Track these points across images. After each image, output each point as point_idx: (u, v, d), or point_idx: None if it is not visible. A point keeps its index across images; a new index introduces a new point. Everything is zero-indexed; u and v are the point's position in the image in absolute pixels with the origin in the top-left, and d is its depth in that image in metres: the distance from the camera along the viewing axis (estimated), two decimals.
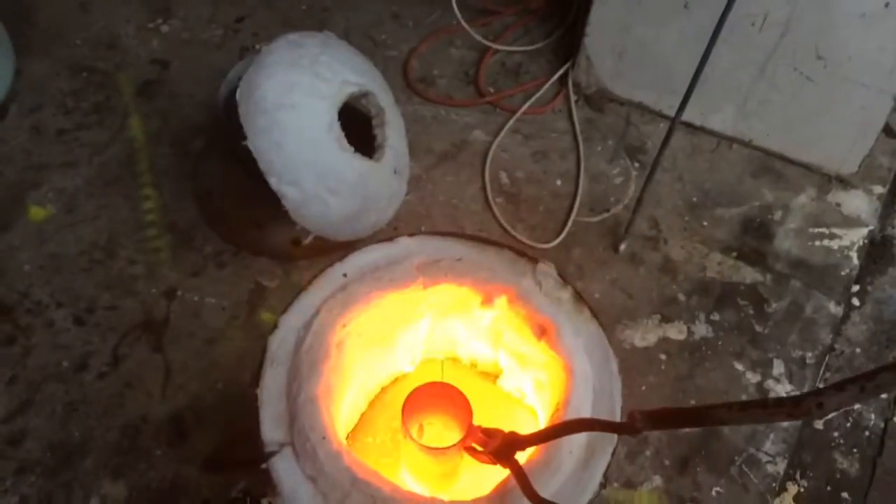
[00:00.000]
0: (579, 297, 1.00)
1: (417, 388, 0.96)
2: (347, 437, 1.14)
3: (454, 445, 0.92)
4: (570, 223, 1.68)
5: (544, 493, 0.83)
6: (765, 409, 0.60)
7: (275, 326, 0.98)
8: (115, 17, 2.02)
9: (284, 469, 0.88)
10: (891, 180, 1.81)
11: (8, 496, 1.30)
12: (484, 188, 1.74)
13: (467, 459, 1.04)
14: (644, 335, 1.55)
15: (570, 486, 0.87)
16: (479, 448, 0.91)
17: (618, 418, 0.94)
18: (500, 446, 0.88)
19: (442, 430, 1.00)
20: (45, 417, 1.38)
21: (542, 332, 0.97)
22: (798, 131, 1.77)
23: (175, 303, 1.53)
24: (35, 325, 1.48)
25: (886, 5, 1.51)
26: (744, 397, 1.49)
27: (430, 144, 1.81)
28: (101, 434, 1.37)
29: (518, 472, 0.84)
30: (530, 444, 0.87)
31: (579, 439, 0.90)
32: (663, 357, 1.53)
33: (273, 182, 1.35)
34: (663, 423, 0.71)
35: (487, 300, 1.00)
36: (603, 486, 0.89)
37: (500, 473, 0.90)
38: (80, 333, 1.48)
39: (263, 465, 0.88)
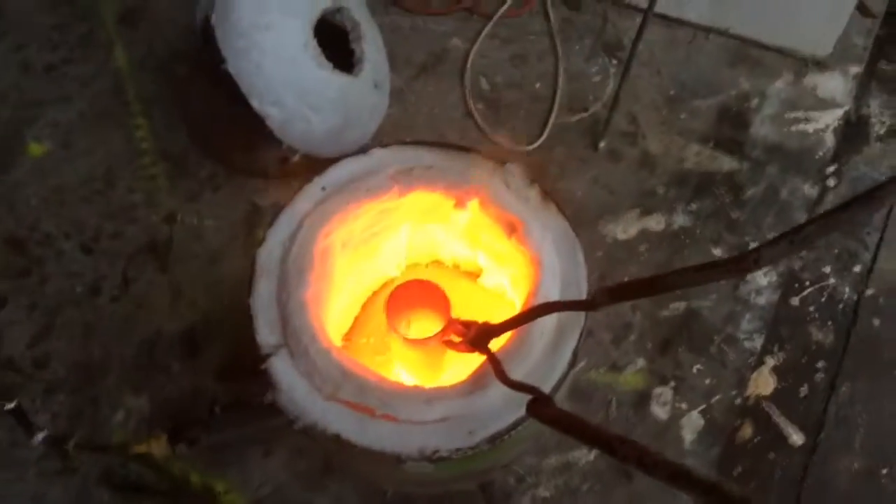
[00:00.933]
0: (545, 195, 1.06)
1: (399, 286, 1.03)
2: (343, 339, 1.22)
3: (433, 336, 1.00)
4: (550, 124, 1.72)
5: (517, 375, 0.91)
6: (714, 268, 0.66)
7: (262, 240, 1.05)
8: None
9: (282, 368, 0.96)
10: (866, 59, 1.82)
11: (40, 414, 1.40)
12: (464, 96, 1.77)
13: (453, 353, 1.12)
14: (625, 228, 1.61)
15: (541, 367, 0.96)
16: (458, 339, 0.99)
17: None
18: (476, 335, 0.95)
19: (427, 325, 1.07)
20: (66, 340, 1.48)
21: (511, 230, 1.03)
22: (773, 16, 1.77)
23: (176, 226, 1.60)
24: (47, 255, 1.56)
25: None
26: (722, 282, 1.56)
27: (409, 55, 1.83)
28: (120, 352, 1.46)
29: (491, 358, 0.91)
30: (504, 331, 0.94)
31: (549, 325, 0.97)
32: (644, 248, 1.59)
33: (255, 104, 1.39)
34: (622, 296, 0.75)
35: (460, 203, 1.06)
36: (571, 365, 0.97)
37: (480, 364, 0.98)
38: (90, 261, 1.56)
39: (262, 366, 0.96)
